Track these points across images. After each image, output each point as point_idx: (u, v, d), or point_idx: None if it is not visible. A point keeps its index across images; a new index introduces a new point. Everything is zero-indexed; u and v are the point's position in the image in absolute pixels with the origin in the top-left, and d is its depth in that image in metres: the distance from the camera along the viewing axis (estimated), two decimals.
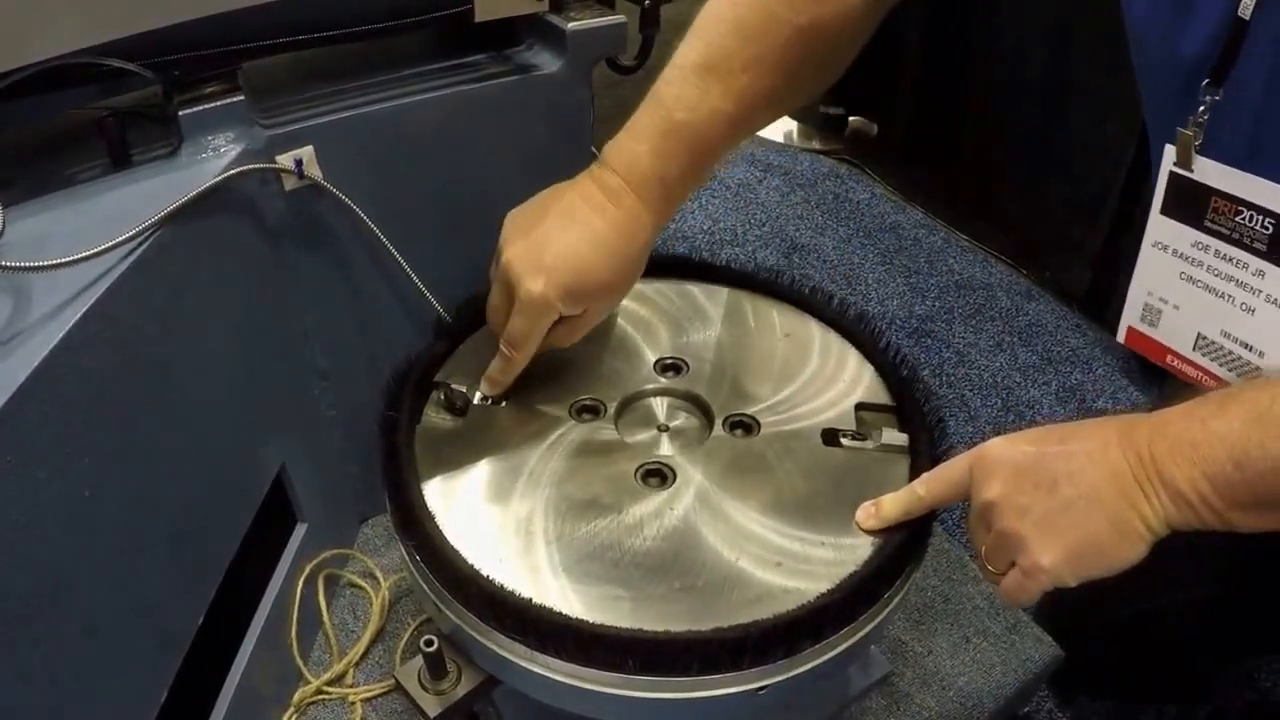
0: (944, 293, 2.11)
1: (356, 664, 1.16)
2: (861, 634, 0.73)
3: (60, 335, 0.65)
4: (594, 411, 0.88)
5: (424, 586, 0.76)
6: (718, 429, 0.86)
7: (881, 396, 0.89)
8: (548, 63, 1.06)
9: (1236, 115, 0.70)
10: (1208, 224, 0.74)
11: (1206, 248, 0.75)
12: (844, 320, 0.97)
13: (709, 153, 0.83)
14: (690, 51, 0.81)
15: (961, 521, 1.73)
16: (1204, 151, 0.73)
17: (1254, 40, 0.67)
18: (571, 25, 1.03)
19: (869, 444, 0.84)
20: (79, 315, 0.67)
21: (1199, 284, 0.76)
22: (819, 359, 0.94)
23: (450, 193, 1.07)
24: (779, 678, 0.70)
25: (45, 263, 0.67)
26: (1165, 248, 0.77)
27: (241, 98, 0.88)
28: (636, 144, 0.82)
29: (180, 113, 0.86)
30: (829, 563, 0.74)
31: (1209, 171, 0.72)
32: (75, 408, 0.67)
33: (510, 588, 0.70)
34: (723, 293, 1.02)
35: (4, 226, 0.66)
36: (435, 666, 0.78)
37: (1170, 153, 0.74)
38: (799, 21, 0.80)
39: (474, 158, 1.07)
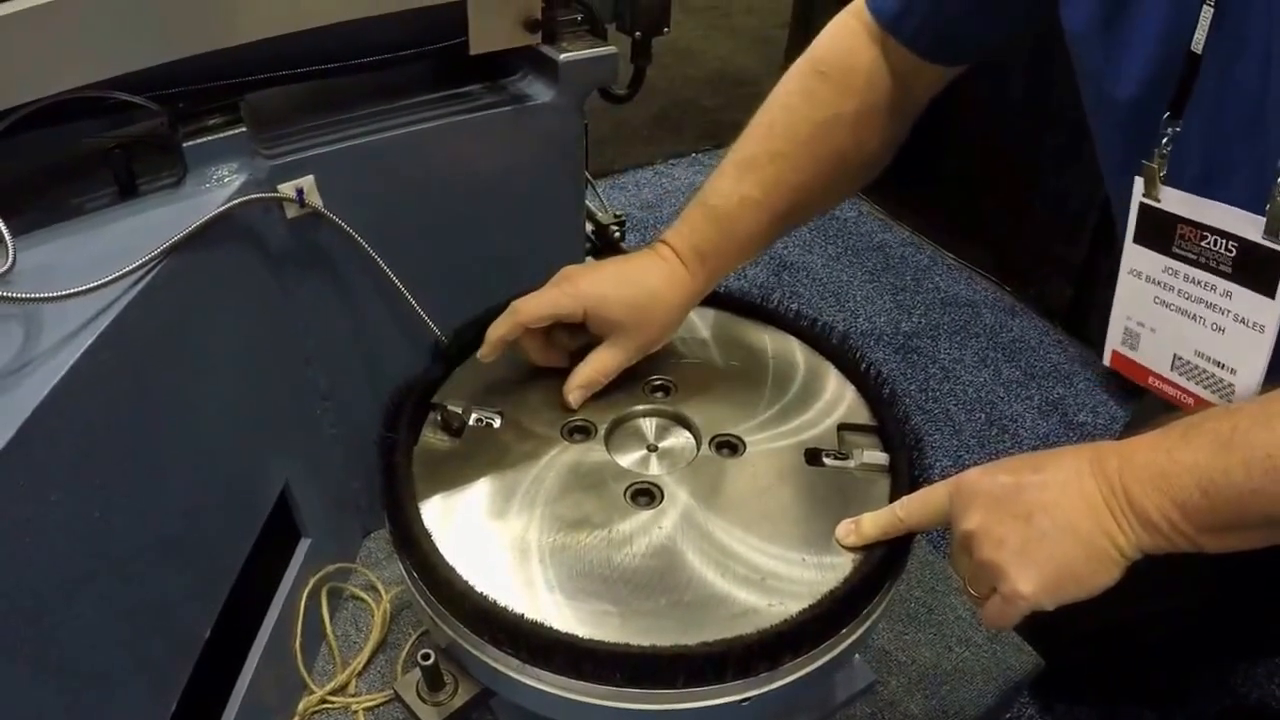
0: (930, 309, 2.15)
1: (359, 674, 1.18)
2: (841, 648, 0.76)
3: (70, 363, 0.67)
4: (585, 432, 0.90)
5: (421, 602, 0.78)
6: (704, 448, 0.88)
7: (863, 417, 0.92)
8: (541, 93, 1.08)
9: (1193, 144, 0.74)
10: (1176, 250, 0.76)
11: (1176, 272, 0.77)
12: (827, 342, 1.00)
13: (737, 231, 0.94)
14: (734, 151, 0.95)
15: (946, 534, 1.76)
16: (1168, 181, 0.75)
17: (1205, 74, 0.71)
18: (564, 56, 1.05)
19: (851, 463, 0.87)
20: (88, 344, 0.69)
21: (1172, 307, 0.79)
22: (803, 380, 0.97)
23: (447, 219, 1.09)
24: (762, 689, 0.73)
25: (55, 293, 0.69)
26: (1139, 274, 0.79)
27: (244, 129, 0.91)
28: (681, 225, 0.96)
29: (185, 144, 0.88)
30: (811, 580, 0.76)
31: (1173, 200, 0.75)
32: (86, 432, 0.69)
33: (503, 604, 0.72)
34: (710, 314, 1.04)
35: (15, 259, 0.68)
36: (432, 679, 0.80)
37: (1139, 184, 0.76)
38: (817, 117, 0.93)
39: (470, 185, 1.09)
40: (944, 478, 0.76)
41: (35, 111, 0.80)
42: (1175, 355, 0.80)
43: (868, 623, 0.77)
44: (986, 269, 2.27)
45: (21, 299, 0.67)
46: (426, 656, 0.78)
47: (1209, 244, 0.74)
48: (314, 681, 1.15)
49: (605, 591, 0.75)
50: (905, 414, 0.91)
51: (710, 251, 0.94)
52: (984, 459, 1.89)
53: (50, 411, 0.64)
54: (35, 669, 0.66)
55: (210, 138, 0.90)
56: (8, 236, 0.68)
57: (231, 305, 0.91)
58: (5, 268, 0.67)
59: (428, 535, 0.78)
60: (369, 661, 1.19)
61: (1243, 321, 0.75)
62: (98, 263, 0.73)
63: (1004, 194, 2.18)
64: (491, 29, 1.01)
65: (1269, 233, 0.70)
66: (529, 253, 1.01)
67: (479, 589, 0.73)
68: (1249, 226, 0.71)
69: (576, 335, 0.93)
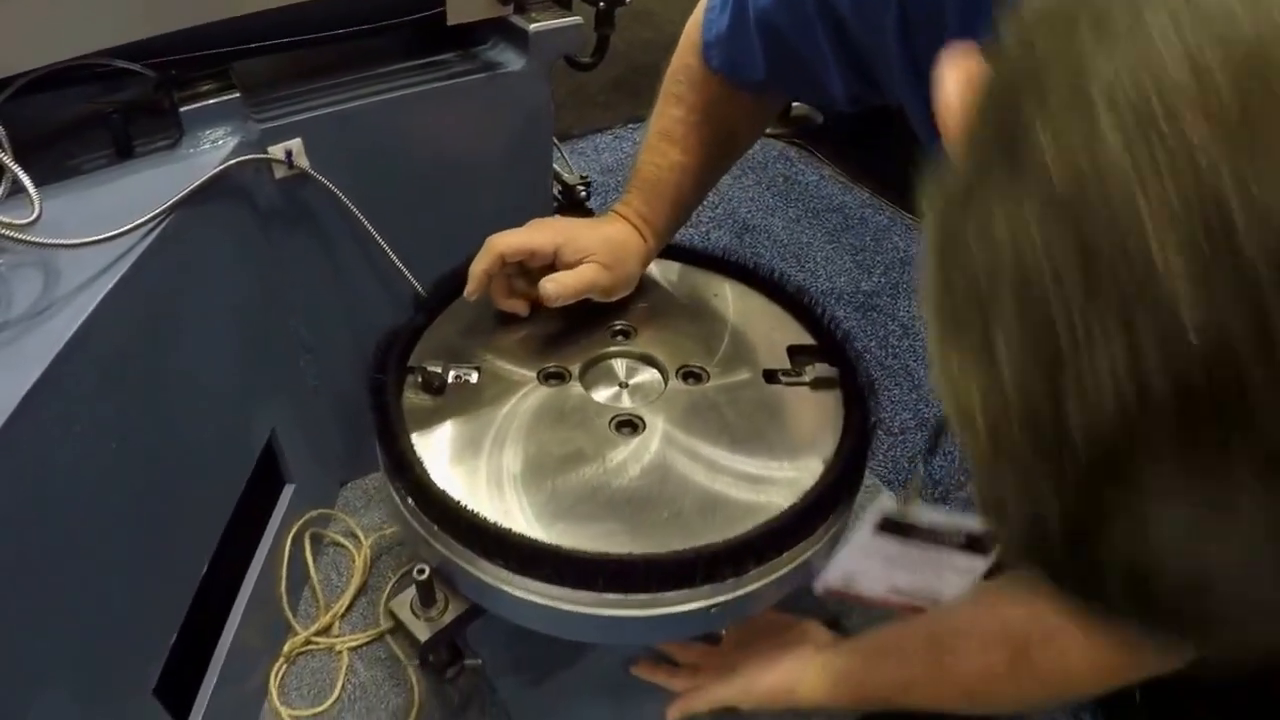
0: (889, 269, 2.20)
1: (342, 616, 1.24)
2: (799, 560, 0.83)
3: (93, 306, 0.73)
4: (560, 377, 0.96)
5: (415, 524, 0.83)
6: (673, 381, 0.95)
7: (807, 339, 1.00)
8: (511, 61, 1.15)
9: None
10: (913, 537, 0.85)
11: (909, 551, 0.86)
12: (767, 279, 1.08)
13: (671, 193, 1.02)
14: (654, 121, 1.02)
15: (905, 481, 1.83)
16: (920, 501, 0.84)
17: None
18: (533, 26, 1.12)
19: (805, 378, 0.95)
20: (109, 287, 0.75)
21: (898, 567, 0.88)
22: (749, 313, 1.04)
23: (425, 179, 1.16)
24: (729, 595, 0.79)
25: (79, 240, 0.75)
26: (870, 553, 0.87)
27: (237, 95, 0.97)
28: (624, 197, 1.04)
29: (181, 108, 0.94)
30: (790, 480, 0.84)
31: (924, 514, 0.83)
32: (105, 370, 0.75)
33: (492, 519, 0.78)
34: (655, 264, 1.10)
35: (41, 210, 0.74)
36: (426, 595, 0.86)
37: (888, 501, 0.84)
38: (709, 95, 0.98)
39: (446, 147, 1.15)
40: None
41: (38, 78, 0.86)
42: (892, 587, 0.89)
43: (826, 536, 0.85)
44: None
45: (49, 245, 0.73)
46: (422, 571, 0.83)
47: (943, 535, 0.84)
48: (298, 623, 1.21)
49: (608, 513, 0.81)
50: (845, 333, 0.99)
51: (652, 215, 1.02)
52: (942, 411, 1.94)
53: (77, 349, 0.70)
54: (51, 597, 0.72)
55: (205, 103, 0.96)
56: (32, 190, 0.74)
57: (226, 260, 0.97)
58: (33, 217, 0.72)
59: (420, 461, 0.83)
60: (351, 604, 1.26)
61: (958, 570, 0.86)
62: (106, 217, 0.79)
63: None
64: (467, 1, 1.07)
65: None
66: (501, 211, 1.05)
67: (469, 506, 0.79)
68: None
69: (535, 290, 0.98)
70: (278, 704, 1.15)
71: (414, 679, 1.17)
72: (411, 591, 0.88)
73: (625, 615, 0.78)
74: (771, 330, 1.02)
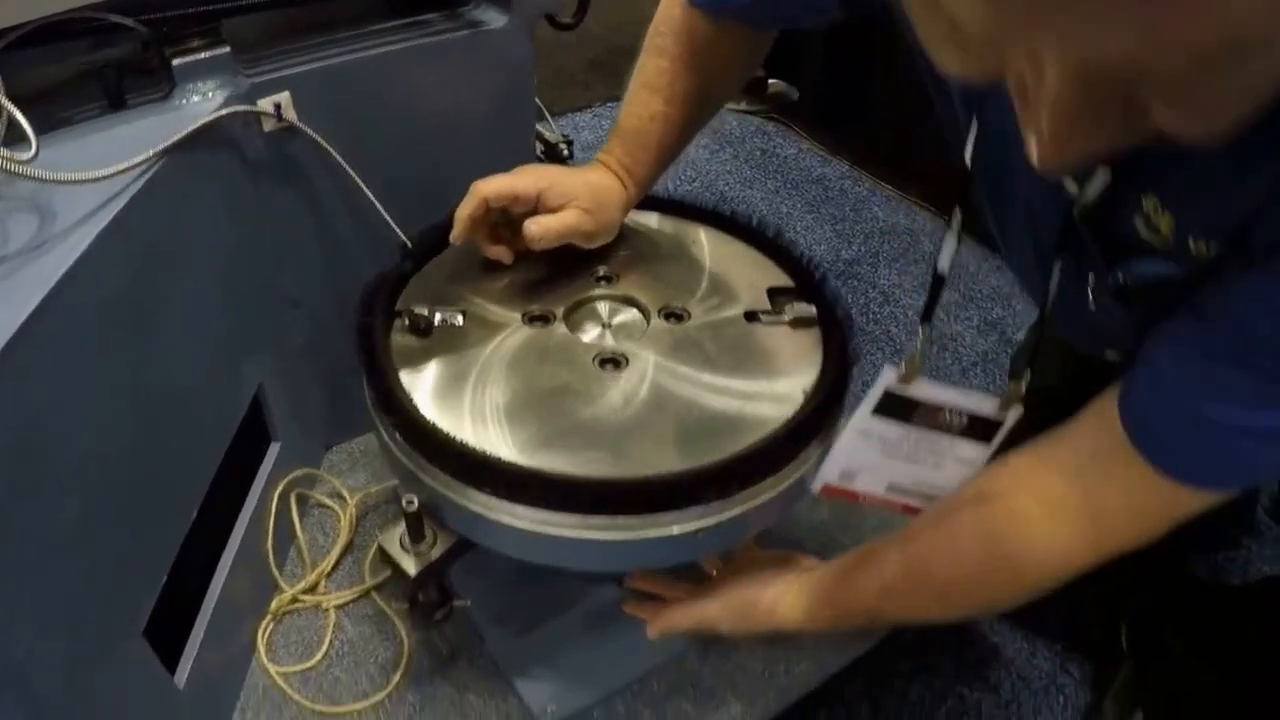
0: (869, 238, 2.22)
1: (328, 575, 1.25)
2: (784, 485, 0.85)
3: (87, 243, 0.74)
4: (545, 319, 0.98)
5: (401, 458, 0.85)
6: (655, 321, 0.97)
7: (785, 281, 1.03)
8: (494, 19, 1.17)
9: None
10: (914, 419, 0.87)
11: (908, 435, 0.88)
12: (745, 225, 1.11)
13: (653, 143, 1.04)
14: (638, 75, 1.03)
15: None
16: (922, 373, 0.87)
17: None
18: None
19: (785, 317, 0.97)
20: (102, 226, 0.76)
21: (896, 456, 0.90)
22: (729, 258, 1.07)
23: (410, 135, 1.17)
24: (717, 518, 0.81)
25: (72, 177, 0.76)
26: (870, 436, 0.89)
27: (227, 50, 0.98)
28: (607, 146, 1.06)
29: (174, 62, 0.96)
30: (771, 407, 0.87)
31: (924, 388, 0.85)
32: (99, 307, 0.77)
33: (479, 448, 0.80)
34: (634, 214, 1.12)
35: (38, 148, 0.75)
36: (415, 529, 0.88)
37: (890, 374, 0.86)
38: (695, 45, 1.00)
39: (430, 103, 1.17)
40: None
41: (30, 31, 0.87)
42: (890, 483, 0.92)
43: (810, 460, 0.87)
44: (924, 199, 2.33)
45: (46, 179, 0.74)
46: (410, 502, 0.85)
47: (944, 416, 0.86)
48: (285, 582, 1.22)
49: (608, 443, 0.83)
50: (823, 273, 1.02)
51: (634, 165, 1.04)
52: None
53: (71, 284, 0.71)
54: (42, 531, 0.73)
55: (196, 57, 0.97)
56: (30, 130, 0.76)
57: (216, 210, 0.99)
58: (31, 155, 0.74)
59: (408, 396, 0.85)
60: (337, 563, 1.27)
61: (959, 459, 0.88)
62: (99, 161, 0.80)
63: (932, 126, 2.25)
64: None
65: (1001, 409, 0.85)
66: (485, 167, 1.06)
67: (457, 437, 0.80)
68: (986, 405, 0.85)
69: (518, 238, 0.99)
70: (266, 661, 1.15)
71: (403, 633, 1.18)
72: (400, 527, 0.89)
73: (612, 539, 0.80)
74: (751, 274, 1.04)
